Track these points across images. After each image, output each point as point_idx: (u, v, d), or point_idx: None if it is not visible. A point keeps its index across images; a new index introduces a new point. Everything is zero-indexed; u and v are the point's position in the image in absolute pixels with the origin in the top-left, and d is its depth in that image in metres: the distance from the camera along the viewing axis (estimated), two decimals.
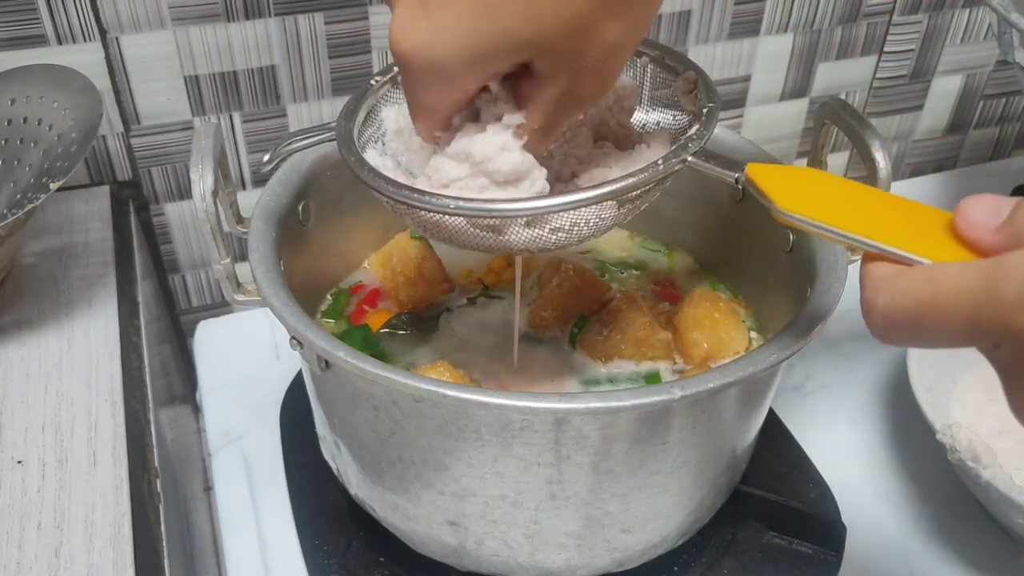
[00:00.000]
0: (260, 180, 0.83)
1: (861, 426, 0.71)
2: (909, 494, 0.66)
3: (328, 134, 0.50)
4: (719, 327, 0.58)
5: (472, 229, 0.44)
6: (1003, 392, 0.34)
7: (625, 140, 0.51)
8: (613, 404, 0.42)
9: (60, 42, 0.71)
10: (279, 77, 0.78)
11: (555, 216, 0.43)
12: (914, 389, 0.62)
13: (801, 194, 0.38)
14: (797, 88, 0.97)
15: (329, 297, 0.64)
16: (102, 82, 0.73)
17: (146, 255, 0.81)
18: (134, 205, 0.79)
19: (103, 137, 0.76)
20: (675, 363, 0.59)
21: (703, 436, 0.49)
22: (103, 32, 0.72)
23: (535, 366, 0.58)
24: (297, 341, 0.47)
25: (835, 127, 0.55)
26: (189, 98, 0.77)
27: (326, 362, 0.47)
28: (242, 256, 0.56)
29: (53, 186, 0.59)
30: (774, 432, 0.67)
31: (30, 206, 0.58)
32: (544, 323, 0.60)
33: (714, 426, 0.49)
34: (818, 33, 0.94)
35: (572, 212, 0.43)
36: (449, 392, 0.42)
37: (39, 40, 0.70)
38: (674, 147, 0.45)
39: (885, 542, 0.63)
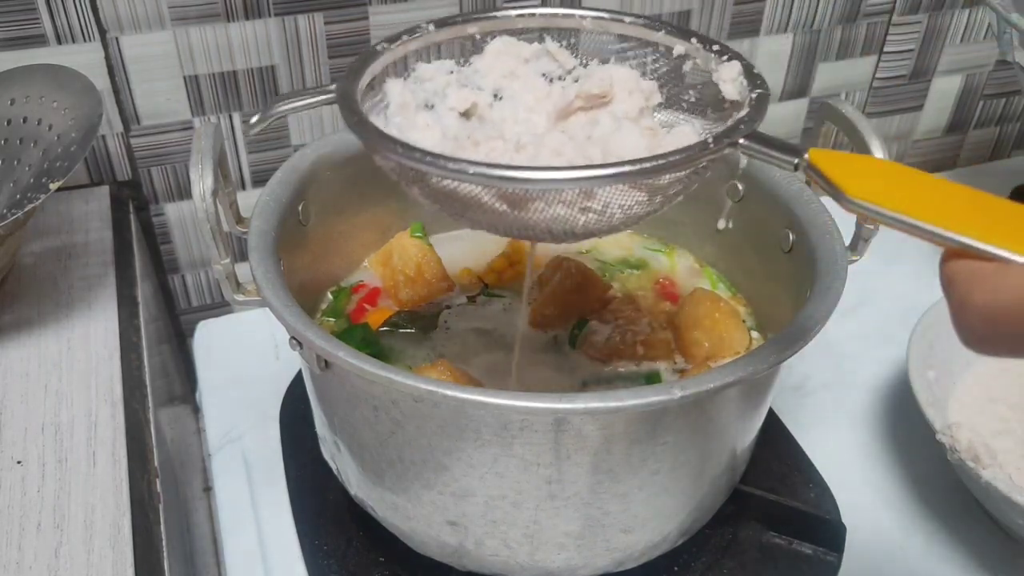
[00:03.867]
0: (260, 180, 0.83)
1: (861, 426, 0.71)
2: (909, 494, 0.66)
3: (325, 96, 0.46)
4: (720, 327, 0.58)
5: (492, 201, 0.39)
6: None
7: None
8: (613, 404, 0.42)
9: (60, 42, 0.71)
10: (279, 77, 0.78)
11: (589, 192, 0.39)
12: (914, 389, 0.62)
13: (872, 182, 0.34)
14: (797, 88, 0.97)
15: (329, 296, 0.64)
16: (102, 82, 0.73)
17: (146, 255, 0.80)
18: (134, 205, 0.79)
19: (103, 137, 0.76)
20: (675, 363, 0.59)
21: (703, 436, 0.49)
22: (103, 32, 0.72)
23: (535, 366, 0.58)
24: (297, 341, 0.47)
25: (835, 127, 0.55)
26: (189, 98, 0.77)
27: (326, 362, 0.47)
28: (242, 256, 0.56)
29: (53, 186, 0.59)
30: (774, 432, 0.67)
31: (30, 206, 0.58)
32: (545, 321, 0.60)
33: (714, 426, 0.49)
34: (818, 33, 0.94)
35: (609, 189, 0.39)
36: (449, 392, 0.42)
37: (39, 40, 0.70)
38: (724, 128, 0.42)
39: (885, 542, 0.63)
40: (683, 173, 0.41)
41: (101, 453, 0.56)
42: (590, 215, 0.40)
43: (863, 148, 0.51)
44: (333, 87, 0.45)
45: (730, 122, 0.43)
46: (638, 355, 0.58)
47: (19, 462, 0.55)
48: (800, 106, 0.98)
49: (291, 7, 0.75)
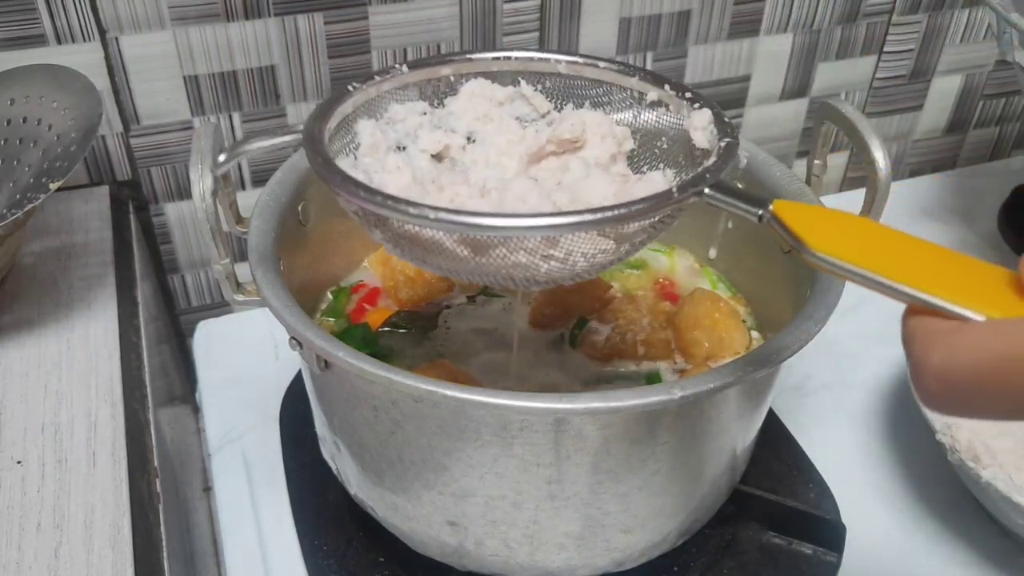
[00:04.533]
0: (260, 180, 0.83)
1: (861, 426, 0.71)
2: (909, 494, 0.66)
3: (292, 136, 0.46)
4: (720, 327, 0.58)
5: (453, 247, 0.39)
6: None
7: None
8: (613, 404, 0.42)
9: (60, 42, 0.71)
10: (279, 77, 0.78)
11: (551, 239, 0.39)
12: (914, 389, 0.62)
13: (835, 236, 0.34)
14: (797, 88, 0.97)
15: (329, 296, 0.64)
16: (102, 82, 0.73)
17: (145, 255, 0.80)
18: (134, 205, 0.79)
19: (103, 137, 0.76)
20: (675, 363, 0.59)
21: (703, 436, 0.49)
22: (103, 32, 0.72)
23: (535, 366, 0.58)
24: (296, 341, 0.47)
25: (835, 127, 0.55)
26: (188, 98, 0.77)
27: (325, 362, 0.47)
28: (242, 256, 0.56)
29: (53, 186, 0.59)
30: (774, 432, 0.67)
31: (30, 206, 0.58)
32: (545, 321, 0.60)
33: (714, 426, 0.49)
34: (818, 33, 0.94)
35: (571, 236, 0.39)
36: (448, 392, 0.42)
37: (39, 40, 0.70)
38: (691, 176, 0.42)
39: (885, 542, 0.63)
40: (647, 222, 0.41)
41: (101, 453, 0.56)
42: (552, 263, 0.40)
43: (863, 148, 0.51)
44: (300, 127, 0.45)
45: (698, 170, 0.42)
46: (638, 355, 0.58)
47: (19, 462, 0.55)
48: (800, 106, 0.98)
49: (291, 7, 0.75)
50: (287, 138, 0.47)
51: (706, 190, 0.40)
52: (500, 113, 0.49)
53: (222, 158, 0.47)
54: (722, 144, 0.44)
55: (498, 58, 0.50)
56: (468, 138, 0.48)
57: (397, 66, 0.49)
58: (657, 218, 0.41)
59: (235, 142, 0.47)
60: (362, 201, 0.39)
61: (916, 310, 0.31)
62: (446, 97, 0.50)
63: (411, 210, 0.38)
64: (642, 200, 0.39)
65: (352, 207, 0.41)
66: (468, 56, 0.50)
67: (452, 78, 0.50)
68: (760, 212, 0.38)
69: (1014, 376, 0.27)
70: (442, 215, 0.37)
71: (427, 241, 0.40)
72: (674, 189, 0.40)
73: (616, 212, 0.38)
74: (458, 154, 0.48)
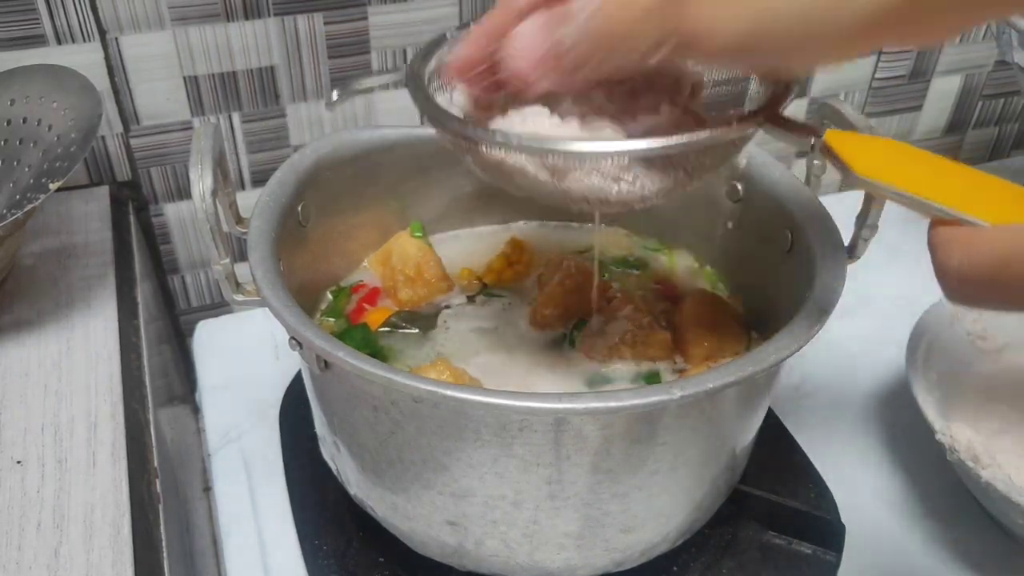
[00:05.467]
0: (260, 180, 0.83)
1: (861, 426, 0.71)
2: (908, 494, 0.66)
3: (397, 75, 0.50)
4: (719, 326, 0.58)
5: (535, 171, 0.43)
6: None
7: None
8: (613, 404, 0.42)
9: (60, 42, 0.71)
10: (278, 77, 0.78)
11: (622, 163, 0.42)
12: (914, 389, 0.62)
13: (878, 161, 0.38)
14: (795, 91, 0.97)
15: (329, 296, 0.64)
16: (101, 82, 0.73)
17: (145, 255, 0.81)
18: (133, 205, 0.79)
19: (102, 137, 0.76)
20: (675, 363, 0.59)
21: (702, 436, 0.49)
22: (103, 32, 0.72)
23: (535, 366, 0.58)
24: (296, 341, 0.47)
25: (835, 127, 0.55)
26: (188, 98, 0.77)
27: (325, 362, 0.47)
28: (242, 256, 0.56)
29: (52, 186, 0.59)
30: (773, 432, 0.67)
31: (29, 206, 0.58)
32: (545, 321, 0.60)
33: (714, 426, 0.49)
34: None
35: (640, 161, 0.42)
36: (448, 392, 0.42)
37: (39, 40, 0.70)
38: (749, 111, 0.44)
39: (884, 542, 0.63)
40: (706, 149, 0.43)
41: (101, 453, 0.56)
42: (622, 184, 0.43)
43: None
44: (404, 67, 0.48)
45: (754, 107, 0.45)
46: (638, 355, 0.58)
47: (19, 462, 0.55)
48: (799, 107, 0.98)
49: (291, 7, 0.75)
50: (391, 76, 0.52)
51: (764, 121, 0.43)
52: None
53: (335, 95, 0.52)
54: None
55: None
56: None
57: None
58: (721, 149, 0.44)
59: (349, 84, 0.52)
60: (454, 130, 0.43)
61: (940, 222, 0.35)
62: None
63: (497, 137, 0.42)
64: (703, 131, 0.41)
65: (447, 136, 0.45)
66: None
67: None
68: (812, 140, 0.41)
69: (1018, 267, 0.31)
70: (524, 141, 0.41)
71: (512, 167, 0.43)
72: (734, 121, 0.42)
73: (686, 140, 0.41)
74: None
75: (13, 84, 0.67)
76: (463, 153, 0.45)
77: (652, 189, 0.44)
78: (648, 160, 0.42)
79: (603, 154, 0.41)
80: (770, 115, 0.43)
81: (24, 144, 0.66)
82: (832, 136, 0.40)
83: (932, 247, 0.35)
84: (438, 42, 0.50)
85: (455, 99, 0.48)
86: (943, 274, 0.34)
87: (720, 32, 0.35)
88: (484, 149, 0.43)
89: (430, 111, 0.45)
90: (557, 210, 0.70)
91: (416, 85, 0.47)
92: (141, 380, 0.63)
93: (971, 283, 0.33)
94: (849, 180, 0.38)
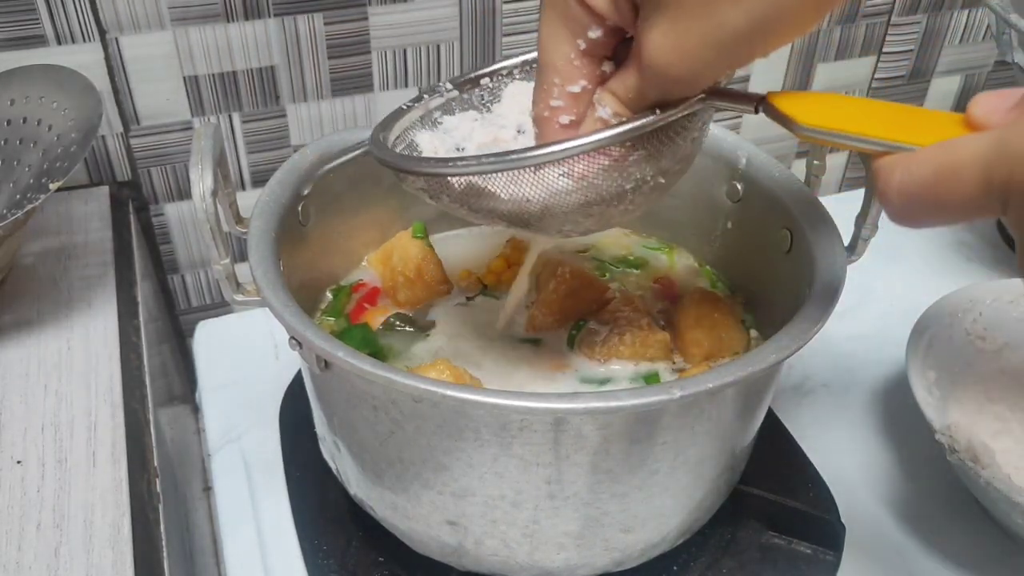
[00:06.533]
0: (260, 180, 0.83)
1: (860, 426, 0.71)
2: (908, 494, 0.66)
3: (360, 150, 0.54)
4: (719, 326, 0.58)
5: (502, 189, 0.43)
6: (1018, 255, 0.35)
7: None
8: (612, 404, 0.42)
9: (60, 42, 0.71)
10: (278, 77, 0.78)
11: (585, 165, 0.42)
12: (913, 389, 0.62)
13: (818, 111, 0.40)
14: (796, 88, 0.97)
15: (329, 295, 0.64)
16: (102, 82, 0.73)
17: (145, 255, 0.81)
18: (133, 205, 0.79)
19: (102, 137, 0.76)
20: (674, 363, 0.59)
21: (702, 436, 0.49)
22: (103, 32, 0.72)
23: (534, 366, 0.58)
24: (296, 341, 0.47)
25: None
26: (188, 98, 0.77)
27: (325, 362, 0.47)
28: (242, 256, 0.56)
29: (53, 186, 0.59)
30: (773, 432, 0.67)
31: (29, 206, 0.58)
32: (543, 326, 0.60)
33: (713, 426, 0.49)
34: (817, 33, 0.94)
35: (597, 159, 0.42)
36: (448, 392, 0.42)
37: (39, 40, 0.70)
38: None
39: (884, 542, 0.63)
40: (664, 136, 0.43)
41: (101, 453, 0.56)
42: (591, 190, 0.43)
43: (869, 172, 0.51)
44: (365, 141, 0.51)
45: None
46: (637, 355, 0.58)
47: (19, 462, 0.55)
48: None
49: (291, 7, 0.75)
50: (357, 152, 0.55)
51: (705, 95, 0.43)
52: None
53: (306, 191, 0.56)
54: None
55: (527, 61, 0.53)
56: (518, 131, 0.50)
57: (440, 84, 0.53)
58: (673, 128, 0.43)
59: (310, 169, 0.56)
60: (425, 167, 0.45)
61: (881, 154, 0.37)
62: (492, 103, 0.53)
63: (459, 163, 0.43)
64: (652, 113, 0.41)
65: (418, 183, 0.46)
66: (500, 65, 0.54)
67: (492, 85, 0.53)
68: (756, 104, 0.43)
69: (958, 175, 0.33)
70: (487, 159, 0.42)
71: (486, 191, 0.44)
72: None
73: (628, 127, 0.41)
74: (510, 145, 0.50)
75: (13, 84, 0.67)
76: (439, 196, 0.46)
77: (628, 190, 0.44)
78: (610, 156, 0.42)
79: (563, 151, 0.41)
80: (712, 89, 0.43)
81: (24, 144, 0.66)
82: (773, 96, 0.42)
83: (875, 174, 0.37)
84: (396, 115, 0.51)
85: (423, 152, 0.51)
86: (885, 194, 0.36)
87: None
88: (455, 182, 0.44)
89: (398, 162, 0.46)
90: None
91: (378, 145, 0.49)
92: (141, 380, 0.63)
93: (911, 197, 0.35)
94: (795, 132, 0.40)
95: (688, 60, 0.38)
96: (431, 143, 0.51)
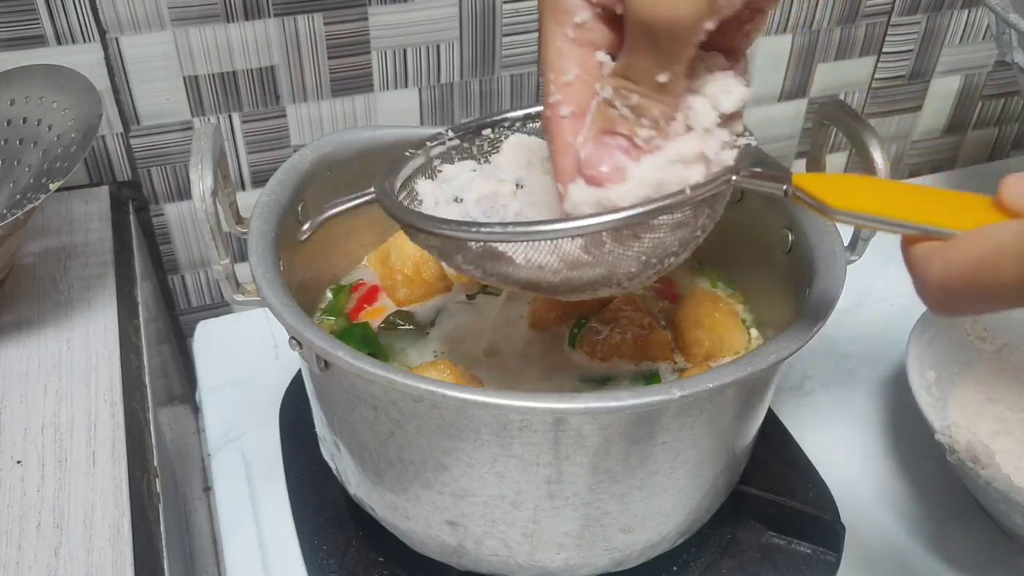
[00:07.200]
0: (260, 180, 0.83)
1: (860, 426, 0.71)
2: (908, 494, 0.66)
3: (367, 196, 0.52)
4: (720, 326, 0.58)
5: (515, 255, 0.42)
6: None
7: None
8: (612, 404, 0.42)
9: (60, 42, 0.71)
10: (279, 77, 0.78)
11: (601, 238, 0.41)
12: (913, 389, 0.62)
13: (848, 193, 0.40)
14: (796, 88, 0.97)
15: (329, 294, 0.64)
16: (102, 82, 0.73)
17: (145, 255, 0.81)
18: (133, 205, 0.79)
19: (102, 137, 0.76)
20: (675, 363, 0.59)
21: (702, 436, 0.49)
22: (103, 32, 0.72)
23: (535, 365, 0.58)
24: (296, 341, 0.47)
25: (834, 127, 0.55)
26: (188, 98, 0.77)
27: (325, 362, 0.47)
28: (242, 256, 0.56)
29: (53, 186, 0.59)
30: (773, 432, 0.67)
31: (29, 206, 0.58)
32: (545, 322, 0.60)
33: (713, 426, 0.49)
34: (817, 34, 0.94)
35: (619, 233, 0.41)
36: (448, 392, 0.42)
37: (39, 40, 0.70)
38: (719, 170, 0.42)
39: (884, 542, 0.63)
40: (686, 213, 0.42)
41: (101, 453, 0.56)
42: (609, 265, 0.42)
43: (862, 148, 0.51)
44: (371, 189, 0.50)
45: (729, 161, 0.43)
46: (638, 355, 0.58)
47: (19, 462, 0.55)
48: (799, 107, 0.98)
49: (291, 7, 0.75)
50: (363, 200, 0.52)
51: (734, 177, 0.42)
52: (542, 160, 0.51)
53: (306, 227, 0.53)
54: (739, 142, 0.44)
55: (529, 114, 0.53)
56: (517, 185, 0.51)
57: (443, 132, 0.53)
58: (698, 206, 0.42)
59: (319, 216, 0.53)
60: (439, 229, 0.43)
61: (912, 239, 0.36)
62: (490, 154, 0.53)
63: (483, 230, 0.42)
64: (676, 193, 0.40)
65: (432, 241, 0.45)
66: (504, 116, 0.53)
67: (492, 136, 0.53)
68: (785, 188, 0.42)
69: (999, 266, 0.32)
70: (506, 228, 0.41)
71: (504, 256, 0.43)
72: (704, 183, 0.41)
73: (657, 205, 0.40)
74: (508, 200, 0.50)
75: (13, 84, 0.67)
76: (451, 256, 0.45)
77: (650, 261, 0.43)
78: (637, 226, 0.41)
79: (575, 229, 0.40)
80: (740, 169, 0.42)
81: (24, 144, 0.66)
82: (801, 179, 0.42)
83: (910, 264, 0.36)
84: (399, 161, 0.51)
85: (424, 208, 0.50)
86: (924, 287, 0.35)
87: None
88: (472, 245, 0.43)
89: (411, 219, 0.45)
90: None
91: (388, 198, 0.48)
92: (141, 380, 0.63)
93: (953, 291, 0.34)
94: (827, 215, 0.40)
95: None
96: (432, 193, 0.50)
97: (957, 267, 0.33)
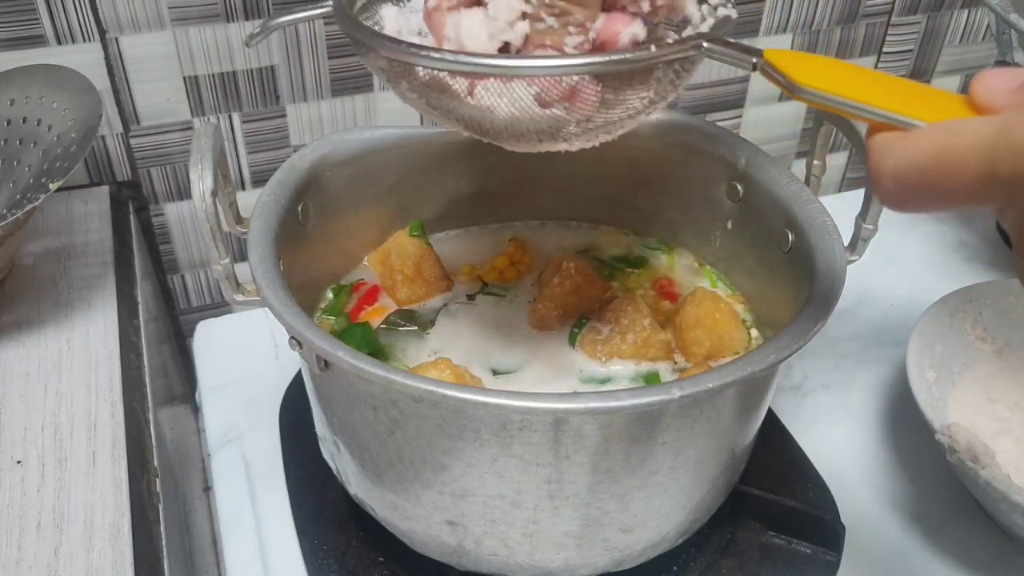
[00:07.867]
0: (260, 180, 0.83)
1: (860, 426, 0.71)
2: (908, 494, 0.66)
3: (323, 9, 0.49)
4: (720, 326, 0.58)
5: (477, 98, 0.41)
6: (1015, 252, 0.33)
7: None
8: (612, 404, 0.42)
9: (60, 42, 0.71)
10: (278, 77, 0.78)
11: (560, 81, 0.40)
12: (913, 389, 0.62)
13: (817, 73, 0.39)
14: None
15: (329, 294, 0.64)
16: (101, 82, 0.73)
17: (145, 255, 0.81)
18: (133, 205, 0.79)
19: (102, 137, 0.76)
20: (675, 363, 0.59)
21: (702, 436, 0.49)
22: (102, 32, 0.72)
23: (534, 365, 0.58)
24: (296, 341, 0.47)
25: (834, 127, 0.55)
26: (188, 98, 0.77)
27: (325, 362, 0.47)
28: (242, 256, 0.56)
29: (53, 186, 0.59)
30: (773, 432, 0.67)
31: (29, 206, 0.58)
32: (545, 322, 0.60)
33: (713, 426, 0.49)
34: (817, 34, 0.94)
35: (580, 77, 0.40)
36: (448, 392, 0.42)
37: (39, 40, 0.70)
38: (691, 34, 0.43)
39: (884, 542, 0.63)
40: (656, 71, 0.42)
41: (101, 453, 0.56)
42: (559, 109, 0.41)
43: (861, 149, 0.51)
44: (330, 1, 0.47)
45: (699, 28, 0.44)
46: (638, 355, 0.58)
47: (19, 462, 0.55)
48: (799, 107, 0.98)
49: (291, 7, 0.75)
50: (318, 11, 0.49)
51: (705, 44, 0.42)
52: None
53: (255, 30, 0.50)
54: (719, 10, 0.45)
55: None
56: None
57: None
58: (661, 69, 0.42)
59: (268, 20, 0.50)
60: (388, 50, 0.41)
61: (877, 127, 0.35)
62: None
63: (433, 54, 0.40)
64: (647, 45, 0.41)
65: (380, 62, 0.43)
66: None
67: None
68: (755, 60, 0.41)
69: (955, 161, 0.31)
70: (459, 56, 0.40)
71: (451, 89, 0.41)
72: (671, 41, 0.42)
73: (622, 56, 0.40)
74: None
75: (13, 84, 0.67)
76: (397, 80, 0.44)
77: (598, 113, 0.42)
78: (596, 80, 0.40)
79: (540, 69, 0.39)
80: (711, 37, 0.42)
81: (24, 144, 0.66)
82: (771, 54, 0.41)
83: (869, 151, 0.35)
84: None
85: (385, 27, 0.48)
86: (878, 176, 0.34)
87: None
88: (419, 70, 0.41)
89: (361, 35, 0.43)
90: (556, 208, 0.70)
91: (344, 14, 0.46)
92: (141, 380, 0.63)
93: (905, 184, 0.32)
94: (793, 93, 0.39)
95: None
96: (396, 21, 0.48)
97: (914, 159, 0.32)
